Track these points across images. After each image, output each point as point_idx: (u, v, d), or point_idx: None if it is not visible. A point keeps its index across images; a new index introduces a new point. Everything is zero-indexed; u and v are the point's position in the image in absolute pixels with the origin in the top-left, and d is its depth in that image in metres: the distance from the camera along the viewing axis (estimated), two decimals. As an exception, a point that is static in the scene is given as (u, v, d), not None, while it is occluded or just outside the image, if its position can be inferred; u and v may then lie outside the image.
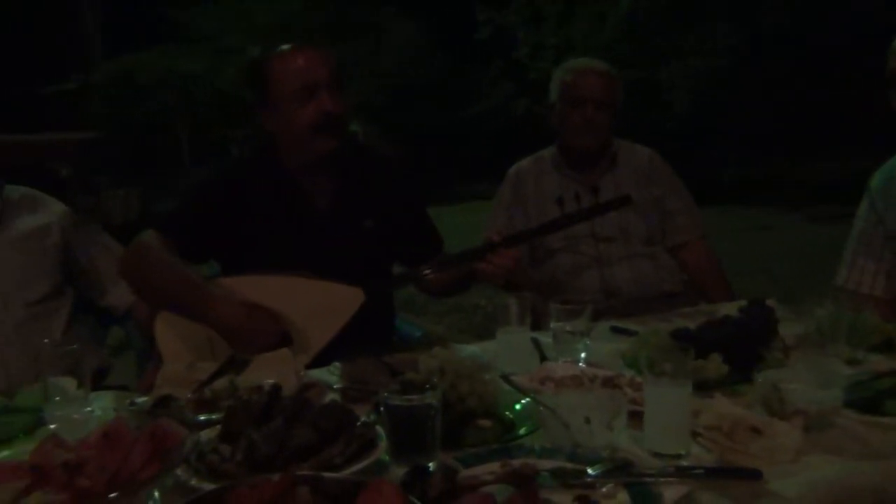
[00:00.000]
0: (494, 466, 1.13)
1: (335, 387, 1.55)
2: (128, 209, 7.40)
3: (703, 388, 1.39)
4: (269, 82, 1.95)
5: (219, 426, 1.23)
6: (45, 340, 1.54)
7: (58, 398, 1.27)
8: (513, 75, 13.87)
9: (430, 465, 1.13)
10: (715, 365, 1.47)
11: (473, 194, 12.68)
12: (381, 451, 1.17)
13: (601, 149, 2.53)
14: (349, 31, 12.18)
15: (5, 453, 1.27)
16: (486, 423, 1.34)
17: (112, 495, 1.03)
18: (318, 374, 1.63)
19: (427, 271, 2.00)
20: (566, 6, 11.94)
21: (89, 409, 1.34)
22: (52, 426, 1.23)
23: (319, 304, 1.90)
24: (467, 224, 2.40)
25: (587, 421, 1.18)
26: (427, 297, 2.47)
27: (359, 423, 1.21)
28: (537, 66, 11.93)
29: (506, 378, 1.48)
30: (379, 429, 1.21)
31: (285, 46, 1.98)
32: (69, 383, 1.33)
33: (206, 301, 1.81)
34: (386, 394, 1.17)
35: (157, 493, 1.09)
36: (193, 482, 1.08)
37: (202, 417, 1.31)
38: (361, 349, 1.80)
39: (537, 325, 2.02)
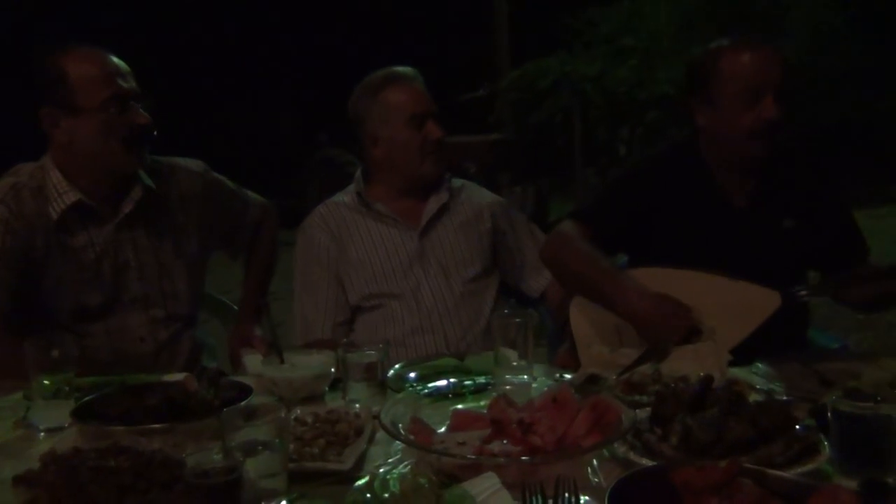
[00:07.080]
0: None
1: (758, 387, 1.50)
2: (524, 204, 8.00)
3: None
4: (711, 78, 1.92)
5: (647, 408, 1.27)
6: (503, 312, 1.73)
7: (512, 364, 1.43)
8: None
9: (890, 480, 1.03)
10: None
11: (891, 197, 11.07)
12: (824, 459, 1.10)
13: None
14: (751, 23, 11.44)
15: (458, 406, 1.46)
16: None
17: (558, 455, 1.13)
18: (739, 372, 1.59)
19: (851, 280, 1.84)
20: None
21: (526, 377, 1.48)
22: (504, 388, 1.38)
23: (732, 304, 1.84)
24: (888, 231, 2.14)
25: None
26: (835, 308, 2.21)
27: (798, 426, 1.15)
28: None
29: None
30: (821, 436, 1.14)
31: (727, 41, 1.93)
32: (511, 354, 1.49)
33: (619, 290, 1.86)
34: (834, 399, 1.10)
35: (595, 461, 1.16)
36: (631, 456, 1.14)
37: (634, 398, 1.36)
38: (777, 354, 1.72)
39: None
